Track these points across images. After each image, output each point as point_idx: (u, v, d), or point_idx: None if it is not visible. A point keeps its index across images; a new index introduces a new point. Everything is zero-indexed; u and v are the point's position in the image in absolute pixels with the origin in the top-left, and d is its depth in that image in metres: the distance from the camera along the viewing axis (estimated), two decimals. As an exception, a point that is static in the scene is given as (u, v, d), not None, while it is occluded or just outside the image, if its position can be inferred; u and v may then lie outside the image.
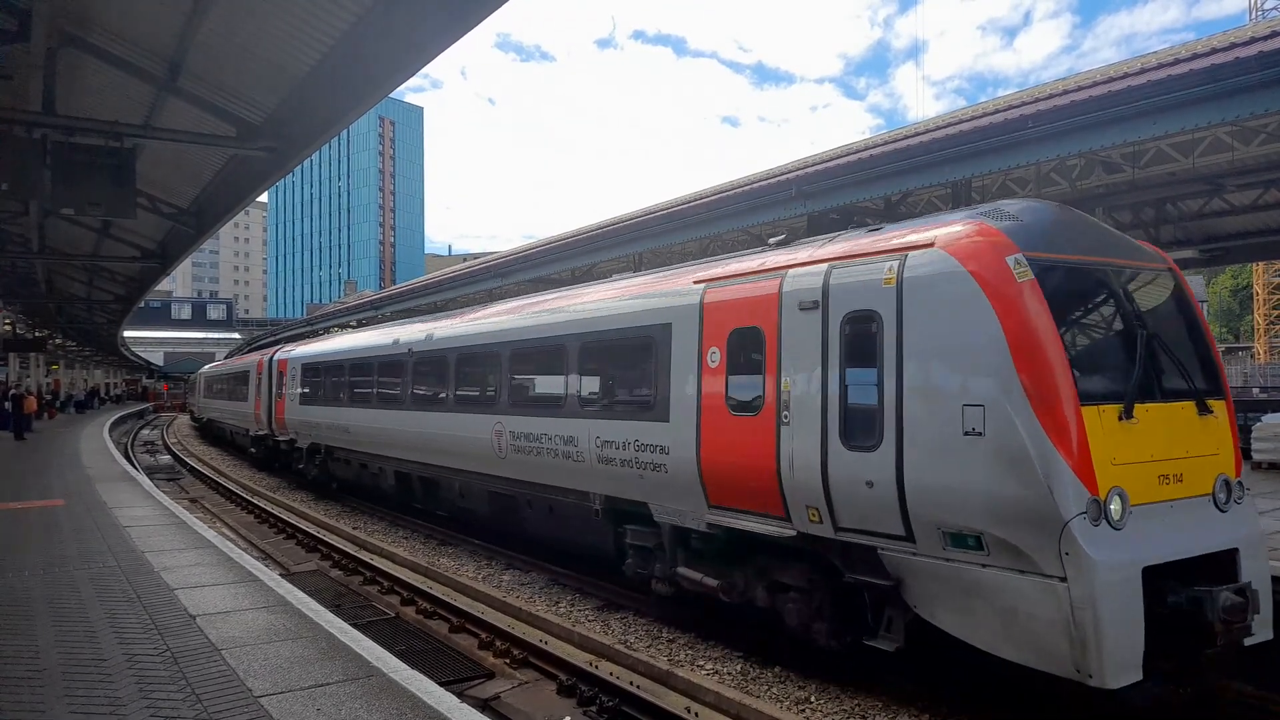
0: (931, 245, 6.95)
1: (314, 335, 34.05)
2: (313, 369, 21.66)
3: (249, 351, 50.68)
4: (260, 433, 26.80)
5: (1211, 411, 7.00)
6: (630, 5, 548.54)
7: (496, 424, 12.38)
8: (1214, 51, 9.06)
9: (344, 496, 21.49)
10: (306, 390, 21.90)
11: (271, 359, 25.88)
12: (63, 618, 7.48)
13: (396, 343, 16.71)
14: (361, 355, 18.52)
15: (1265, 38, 8.71)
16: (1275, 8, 45.95)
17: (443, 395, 14.39)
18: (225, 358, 60.90)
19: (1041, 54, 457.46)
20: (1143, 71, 9.66)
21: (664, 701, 7.55)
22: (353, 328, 30.29)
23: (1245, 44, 8.82)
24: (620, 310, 10.39)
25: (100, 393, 76.26)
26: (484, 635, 9.74)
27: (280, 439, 24.26)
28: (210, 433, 44.93)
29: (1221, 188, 15.23)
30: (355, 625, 8.05)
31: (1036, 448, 6.03)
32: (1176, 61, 9.31)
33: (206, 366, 51.48)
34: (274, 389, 24.92)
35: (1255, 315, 66.69)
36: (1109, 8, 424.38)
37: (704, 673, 8.37)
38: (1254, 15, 46.50)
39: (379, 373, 17.35)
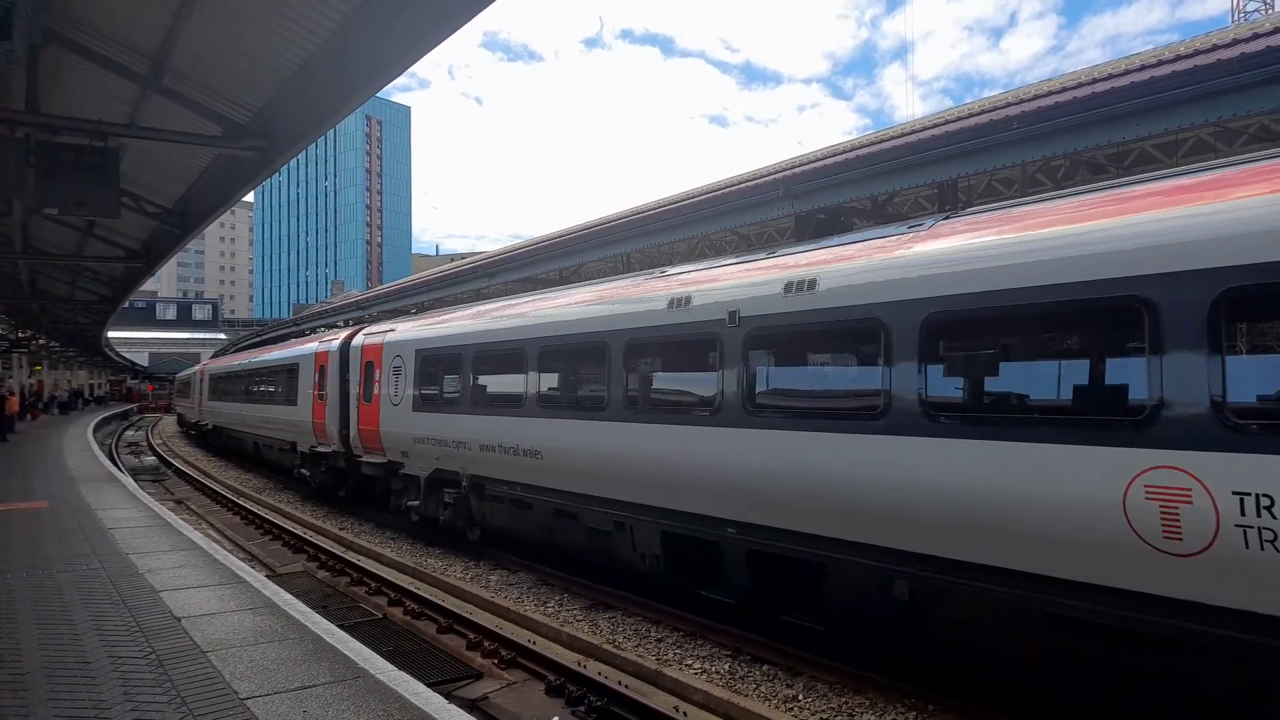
0: None
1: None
2: (446, 358, 14.15)
3: (255, 343, 44.12)
4: (324, 449, 19.32)
5: None
6: (618, 4, 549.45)
7: (1187, 472, 5.26)
8: (1197, 53, 9.15)
9: (491, 553, 13.87)
10: (432, 390, 14.52)
11: (347, 346, 18.49)
12: (46, 620, 7.42)
13: (681, 305, 9.38)
14: (576, 332, 11.05)
15: (1247, 40, 8.80)
16: (1257, 10, 46.41)
17: (877, 401, 7.22)
18: (216, 354, 56.84)
19: (1027, 54, 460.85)
20: (1127, 73, 9.74)
21: (652, 701, 7.56)
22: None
23: (1227, 46, 8.91)
24: None
25: (84, 393, 75.67)
26: (472, 635, 9.73)
27: (367, 460, 16.88)
28: (211, 443, 37.03)
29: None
30: (342, 626, 8.02)
31: None
32: (1160, 63, 9.40)
33: (211, 361, 41.23)
34: (350, 388, 17.74)
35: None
36: (1094, 9, 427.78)
37: (692, 672, 8.38)
38: (1236, 17, 46.94)
39: (628, 362, 10.05)
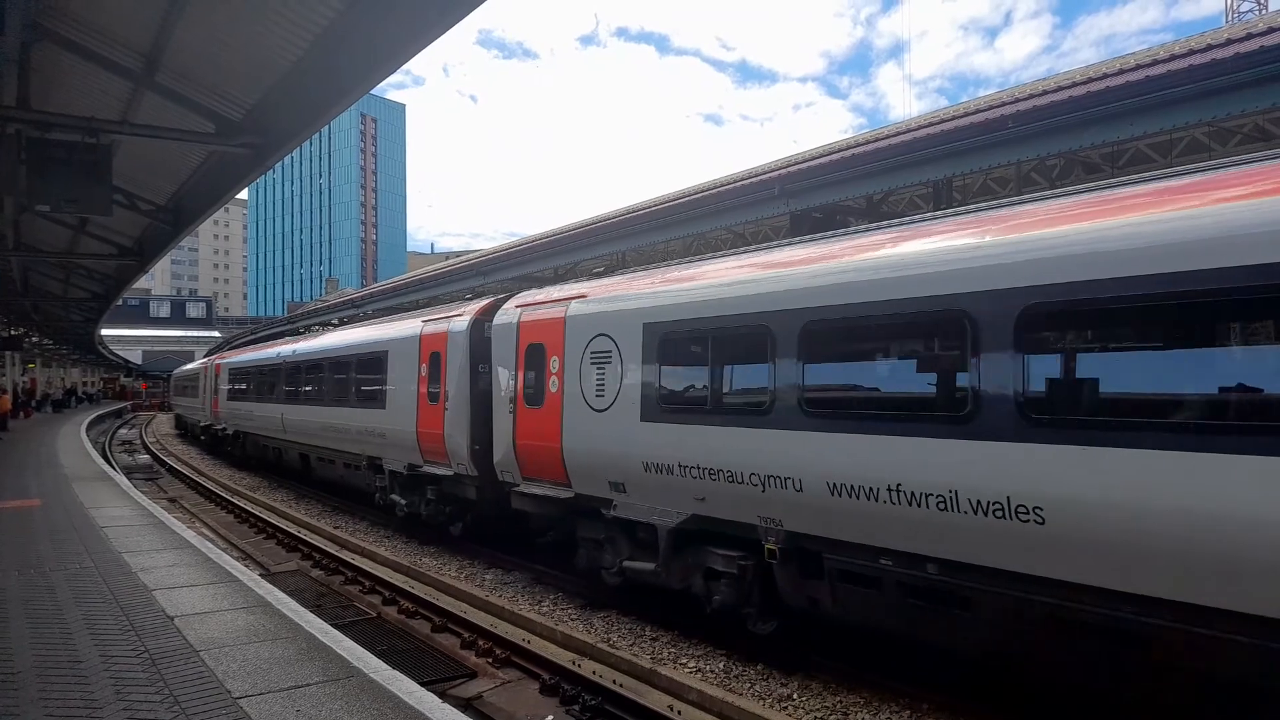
0: None
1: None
2: (728, 335, 8.76)
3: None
4: (437, 470, 14.12)
5: None
6: (613, 2, 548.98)
7: None
8: (1192, 53, 9.16)
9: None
10: (692, 387, 9.30)
11: (483, 324, 13.27)
12: (38, 619, 7.39)
13: None
14: (1164, 272, 5.50)
15: (1241, 39, 8.80)
16: (1251, 9, 46.57)
17: None
18: (218, 348, 51.98)
19: (1022, 54, 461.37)
20: (1121, 72, 9.75)
21: (647, 700, 7.56)
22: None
23: (1222, 45, 8.92)
24: None
25: (77, 392, 75.47)
26: (466, 635, 9.73)
27: (527, 491, 11.49)
28: (230, 451, 30.58)
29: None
30: (336, 625, 8.00)
31: None
32: (1155, 63, 9.41)
33: (230, 353, 33.46)
34: (498, 384, 12.36)
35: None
36: (1088, 8, 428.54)
37: (687, 671, 8.38)
38: (1230, 17, 47.07)
39: None
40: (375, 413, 16.26)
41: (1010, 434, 6.13)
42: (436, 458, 14.13)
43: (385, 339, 16.47)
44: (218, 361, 32.81)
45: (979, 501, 6.28)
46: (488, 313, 13.41)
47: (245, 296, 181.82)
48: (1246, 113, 9.13)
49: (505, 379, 12.24)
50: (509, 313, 12.55)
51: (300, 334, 29.42)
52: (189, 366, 47.09)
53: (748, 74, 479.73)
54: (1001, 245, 6.49)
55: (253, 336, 47.37)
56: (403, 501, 15.54)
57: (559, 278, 20.51)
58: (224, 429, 30.74)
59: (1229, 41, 8.96)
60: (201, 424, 36.21)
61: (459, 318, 13.92)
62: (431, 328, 14.63)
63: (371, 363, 16.73)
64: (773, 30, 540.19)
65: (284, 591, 8.81)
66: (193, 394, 39.44)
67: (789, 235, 14.09)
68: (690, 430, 8.98)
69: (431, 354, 14.31)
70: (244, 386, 27.35)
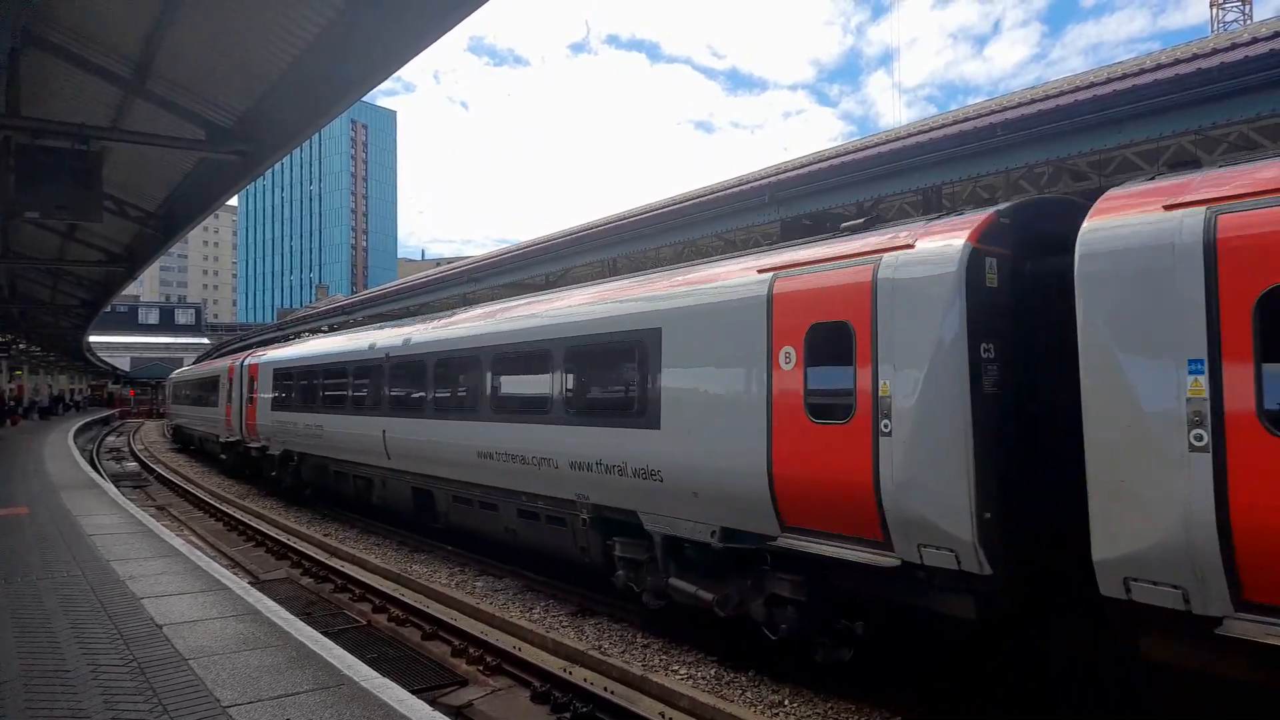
0: None
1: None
2: None
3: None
4: (820, 546, 7.41)
5: None
6: (604, 10, 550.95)
7: None
8: (1178, 62, 9.25)
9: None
10: None
11: (990, 257, 6.74)
12: (25, 628, 7.33)
13: None
14: None
15: (1226, 49, 8.90)
16: (1236, 20, 47.08)
17: None
18: (211, 355, 46.58)
19: (1011, 62, 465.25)
20: (1109, 81, 9.83)
21: (638, 707, 7.56)
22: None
23: (1208, 55, 9.01)
24: None
25: (65, 399, 74.97)
26: (457, 642, 9.70)
27: None
28: (256, 474, 24.97)
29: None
30: (326, 633, 7.96)
31: None
32: (1142, 71, 9.49)
33: (269, 352, 25.32)
34: (1212, 368, 5.14)
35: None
36: (1077, 17, 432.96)
37: (678, 678, 8.37)
38: (1215, 27, 47.58)
39: None
40: (628, 434, 9.58)
41: None
42: (837, 526, 7.39)
43: (649, 310, 9.62)
44: (251, 361, 25.39)
45: None
46: (993, 233, 6.89)
47: (235, 303, 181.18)
48: (1232, 121, 9.20)
49: (1155, 372, 5.46)
50: (1159, 219, 5.55)
51: (390, 321, 20.99)
52: (198, 369, 38.55)
53: (738, 82, 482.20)
54: None
55: (284, 331, 38.54)
56: (709, 596, 8.75)
57: (550, 284, 20.54)
58: (263, 448, 23.40)
59: (1214, 51, 9.06)
60: (222, 440, 28.30)
61: (907, 252, 7.10)
62: (806, 279, 7.86)
63: (613, 351, 10.10)
64: (763, 38, 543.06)
65: (273, 599, 8.77)
66: (206, 402, 31.58)
67: (781, 240, 14.11)
68: None
69: (813, 329, 7.62)
70: (304, 393, 20.25)
